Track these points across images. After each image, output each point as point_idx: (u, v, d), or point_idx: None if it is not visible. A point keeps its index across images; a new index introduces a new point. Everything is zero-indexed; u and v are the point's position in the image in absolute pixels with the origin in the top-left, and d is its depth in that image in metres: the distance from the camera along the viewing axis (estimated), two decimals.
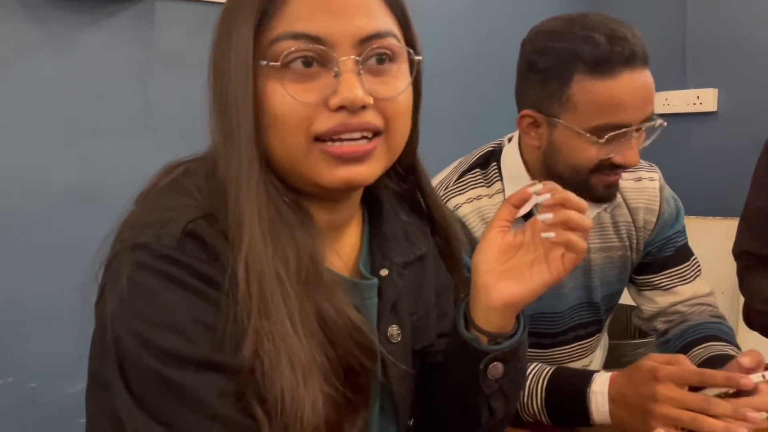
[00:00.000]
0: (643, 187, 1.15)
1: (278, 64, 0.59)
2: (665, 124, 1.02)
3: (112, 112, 1.61)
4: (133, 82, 1.64)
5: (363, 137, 0.61)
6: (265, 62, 0.60)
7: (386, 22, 0.63)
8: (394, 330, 0.70)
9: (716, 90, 2.26)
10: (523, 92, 1.05)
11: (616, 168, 0.99)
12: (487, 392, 0.69)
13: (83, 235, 1.58)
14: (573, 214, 0.65)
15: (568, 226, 0.65)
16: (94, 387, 0.66)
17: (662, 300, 1.18)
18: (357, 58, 0.60)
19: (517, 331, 0.69)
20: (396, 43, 0.63)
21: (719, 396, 0.84)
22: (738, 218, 1.35)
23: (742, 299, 1.37)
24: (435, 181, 1.11)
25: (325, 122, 0.60)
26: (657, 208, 1.15)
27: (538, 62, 1.01)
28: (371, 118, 0.61)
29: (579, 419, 0.93)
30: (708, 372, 0.88)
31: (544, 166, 1.05)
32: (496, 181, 1.09)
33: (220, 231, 0.60)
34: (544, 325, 1.14)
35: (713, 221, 2.20)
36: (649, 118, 0.98)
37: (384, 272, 0.71)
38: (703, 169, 2.30)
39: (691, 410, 0.83)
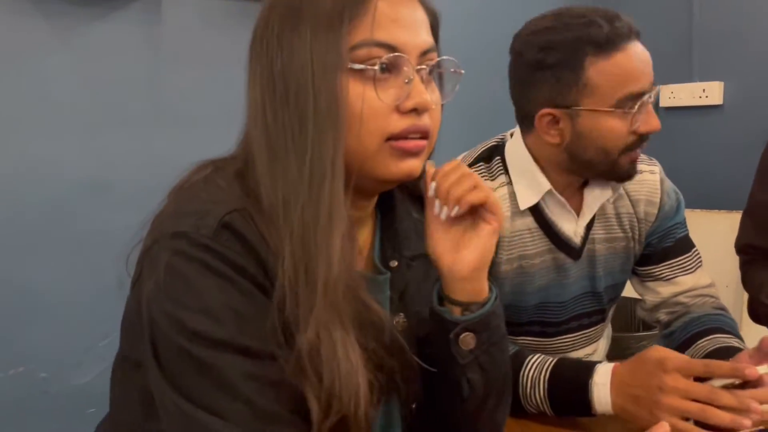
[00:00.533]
0: (644, 179, 1.17)
1: (365, 66, 0.65)
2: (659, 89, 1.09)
3: (120, 104, 1.62)
4: (141, 75, 1.65)
5: (421, 137, 0.68)
6: (352, 65, 0.64)
7: (431, 38, 0.70)
8: (400, 318, 0.75)
9: (722, 83, 2.26)
10: (533, 93, 1.05)
11: (642, 140, 1.03)
12: (462, 363, 0.72)
13: (94, 226, 1.61)
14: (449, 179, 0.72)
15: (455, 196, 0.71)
16: (124, 366, 0.71)
17: (664, 290, 1.20)
18: (424, 67, 0.68)
19: (488, 302, 0.73)
20: (436, 56, 0.71)
21: (725, 387, 0.85)
22: (742, 212, 1.36)
23: (746, 293, 1.37)
24: None
25: (398, 123, 0.66)
26: (658, 200, 1.18)
27: (546, 58, 1.02)
28: (427, 121, 0.68)
29: (581, 410, 0.95)
30: (714, 363, 0.89)
31: (567, 160, 1.06)
32: (500, 174, 1.12)
33: (256, 226, 0.63)
34: (549, 314, 1.16)
35: (718, 214, 2.20)
36: (654, 84, 1.03)
37: (393, 263, 0.77)
38: (708, 162, 2.30)
39: (697, 401, 0.83)
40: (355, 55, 0.65)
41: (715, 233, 2.39)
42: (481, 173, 1.11)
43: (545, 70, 1.03)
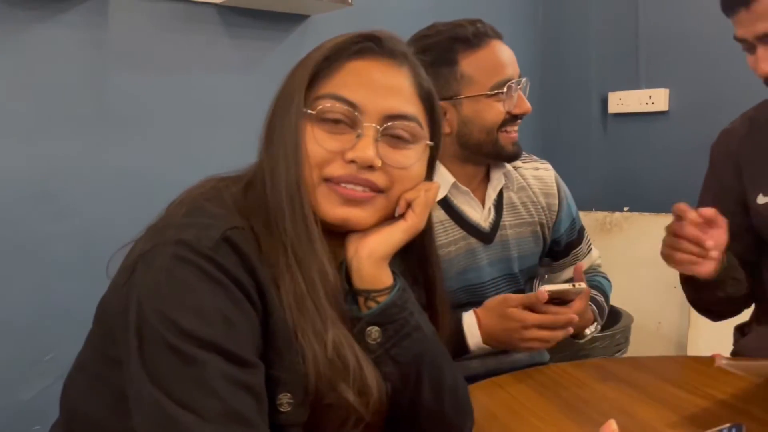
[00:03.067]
0: (540, 175, 1.37)
1: (314, 112, 0.73)
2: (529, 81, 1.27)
3: (64, 109, 1.58)
4: (86, 79, 1.61)
5: (364, 190, 0.74)
6: (306, 110, 0.73)
7: (414, 108, 0.77)
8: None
9: (667, 90, 2.33)
10: None
11: (516, 119, 1.23)
12: (373, 357, 0.74)
13: (37, 233, 1.55)
14: None
15: None
16: (99, 365, 0.73)
17: (568, 273, 1.43)
18: (379, 127, 0.74)
19: (390, 293, 0.76)
20: (418, 128, 0.77)
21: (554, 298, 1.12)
22: None
23: None
24: None
25: (337, 169, 0.73)
26: (556, 192, 1.37)
27: (425, 59, 1.12)
28: (376, 178, 0.74)
29: (461, 351, 1.15)
30: (531, 295, 1.15)
31: (459, 149, 1.23)
32: None
33: (256, 244, 0.69)
34: (475, 295, 1.26)
35: (665, 218, 2.26)
36: (520, 75, 1.24)
37: None
38: (654, 166, 2.36)
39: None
40: (319, 102, 0.73)
41: (660, 235, 2.45)
42: None
43: (426, 69, 1.11)
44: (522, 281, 1.34)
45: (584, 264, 1.40)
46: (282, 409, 0.68)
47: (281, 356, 0.68)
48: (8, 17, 1.50)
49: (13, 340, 1.51)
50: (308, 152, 0.72)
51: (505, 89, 1.20)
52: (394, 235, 0.77)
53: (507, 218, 1.30)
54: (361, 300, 0.76)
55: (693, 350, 2.03)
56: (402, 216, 0.78)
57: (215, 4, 1.77)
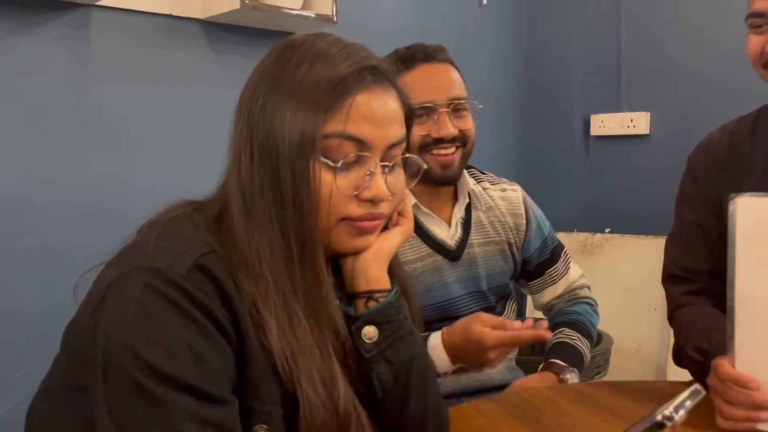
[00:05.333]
0: (508, 196, 1.39)
1: (336, 165, 0.71)
2: (480, 106, 1.28)
3: (43, 122, 1.56)
4: (66, 93, 1.59)
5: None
6: (323, 159, 0.71)
7: (402, 128, 0.78)
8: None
9: (648, 114, 2.36)
10: None
11: (437, 142, 1.22)
12: (368, 356, 0.74)
13: (9, 250, 1.52)
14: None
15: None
16: (67, 392, 0.70)
17: (544, 297, 1.44)
18: (386, 164, 0.75)
19: (388, 294, 0.77)
20: (404, 147, 0.78)
21: None
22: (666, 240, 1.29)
23: None
24: None
25: (355, 209, 0.73)
26: (523, 212, 1.38)
27: None
28: (385, 208, 0.76)
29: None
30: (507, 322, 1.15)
31: None
32: None
33: (231, 271, 0.67)
34: (440, 313, 1.27)
35: (645, 239, 2.28)
36: (461, 98, 1.24)
37: None
38: (635, 188, 2.39)
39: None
40: (327, 142, 0.71)
41: (641, 257, 2.47)
42: None
43: None
44: (492, 299, 1.34)
45: (560, 286, 1.42)
46: None
47: (256, 387, 0.67)
48: None
49: None
50: (327, 198, 0.71)
51: (425, 115, 1.21)
52: (395, 238, 0.80)
53: (474, 237, 1.32)
54: (361, 301, 0.76)
55: (672, 374, 2.03)
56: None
57: (199, 20, 1.76)
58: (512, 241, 1.36)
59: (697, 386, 0.63)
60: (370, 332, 0.74)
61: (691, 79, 2.24)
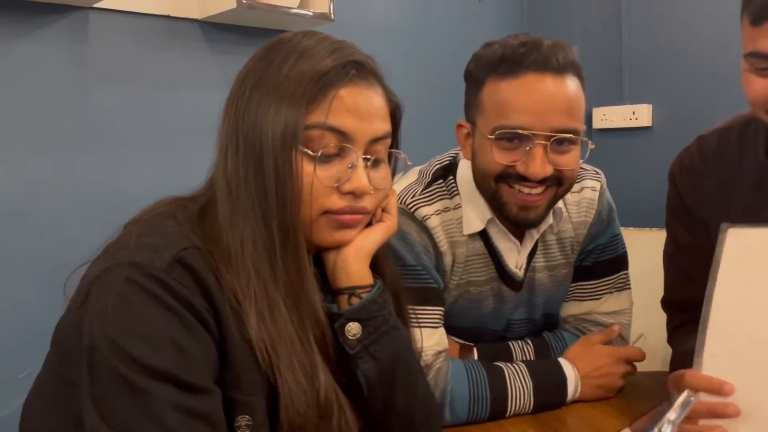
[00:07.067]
0: (583, 197, 1.14)
1: (312, 152, 0.71)
2: (592, 146, 1.00)
3: (43, 126, 1.56)
4: (65, 95, 1.59)
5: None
6: (303, 149, 0.71)
7: (387, 124, 0.78)
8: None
9: (650, 106, 2.35)
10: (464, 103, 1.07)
11: (520, 179, 0.96)
12: (352, 353, 0.75)
13: (11, 249, 1.52)
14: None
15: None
16: (57, 387, 0.72)
17: (569, 308, 1.20)
18: (368, 156, 0.75)
19: (371, 290, 0.78)
20: (389, 142, 0.79)
21: None
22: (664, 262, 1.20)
23: None
24: (396, 188, 1.05)
25: (337, 202, 0.73)
26: (591, 219, 1.15)
27: (467, 70, 1.04)
28: (368, 203, 0.76)
29: (557, 403, 1.05)
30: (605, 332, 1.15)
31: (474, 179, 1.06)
32: (455, 194, 1.09)
33: (212, 265, 0.68)
34: (484, 337, 1.17)
35: (649, 232, 2.26)
36: (566, 131, 0.94)
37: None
38: (638, 181, 2.37)
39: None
40: (309, 134, 0.71)
41: (645, 249, 2.45)
42: (441, 192, 1.09)
43: (467, 81, 1.05)
44: (541, 327, 1.20)
45: (583, 307, 1.18)
46: None
47: (238, 378, 0.67)
48: None
49: None
50: (309, 189, 0.72)
51: (508, 139, 0.95)
52: (376, 234, 0.80)
53: (538, 259, 1.12)
54: (344, 298, 0.77)
55: None
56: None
57: (197, 20, 1.76)
58: (573, 258, 1.16)
59: (687, 393, 0.64)
60: (353, 329, 0.75)
61: (693, 71, 2.23)
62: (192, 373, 0.63)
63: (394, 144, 0.82)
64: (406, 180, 1.12)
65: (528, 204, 0.98)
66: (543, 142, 0.93)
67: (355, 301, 0.76)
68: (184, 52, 1.75)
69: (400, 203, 1.05)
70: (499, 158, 0.96)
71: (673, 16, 2.28)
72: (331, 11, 1.81)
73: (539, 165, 0.93)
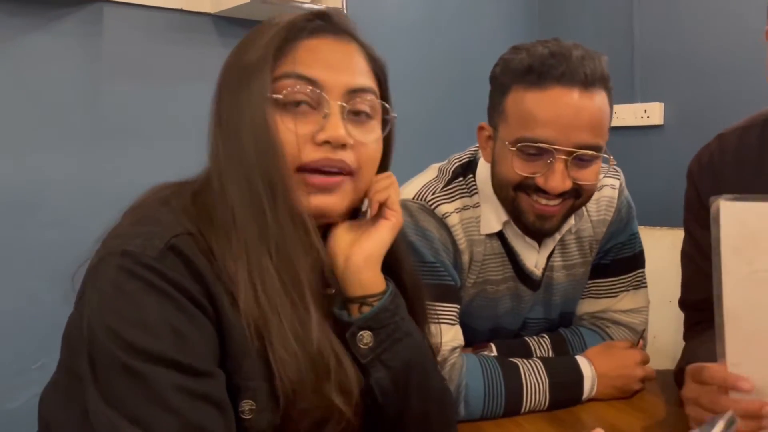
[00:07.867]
0: (602, 195, 1.14)
1: (281, 97, 0.70)
2: (613, 162, 1.02)
3: (57, 119, 1.57)
4: (79, 89, 1.60)
5: (338, 172, 0.72)
6: (273, 95, 0.70)
7: (369, 80, 0.76)
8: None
9: (662, 104, 2.33)
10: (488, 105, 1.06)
11: (538, 191, 0.96)
12: (364, 362, 0.73)
13: (24, 242, 1.54)
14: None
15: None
16: (67, 384, 0.72)
17: (585, 305, 1.21)
18: (344, 104, 0.72)
19: (383, 297, 0.75)
20: (376, 100, 0.76)
21: None
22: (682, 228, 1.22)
23: None
24: (416, 184, 1.09)
25: (311, 153, 0.70)
26: (609, 218, 1.15)
27: (493, 73, 1.03)
28: (347, 157, 0.72)
29: (573, 401, 1.04)
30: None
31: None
32: (475, 193, 1.09)
33: (205, 250, 0.67)
34: (500, 335, 1.17)
35: (660, 231, 2.26)
36: (588, 147, 0.93)
37: None
38: (650, 179, 2.36)
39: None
40: (280, 84, 0.70)
41: (656, 248, 2.45)
42: (461, 190, 1.09)
43: (492, 84, 1.04)
44: (556, 326, 1.20)
45: (599, 305, 1.18)
46: (245, 416, 0.66)
47: (239, 363, 0.67)
48: (1, 26, 1.49)
49: (0, 348, 1.49)
50: (281, 140, 0.69)
51: (529, 151, 0.94)
52: (384, 235, 0.77)
53: (556, 258, 1.13)
54: (355, 307, 0.75)
55: None
56: (377, 217, 0.78)
57: (210, 14, 1.77)
58: (591, 257, 1.16)
59: (731, 413, 0.62)
60: (365, 338, 0.73)
61: (705, 68, 2.21)
62: (192, 357, 0.63)
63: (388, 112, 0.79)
64: (425, 177, 1.12)
65: (545, 214, 0.98)
66: (564, 157, 0.93)
67: (366, 309, 0.74)
68: (197, 46, 1.76)
69: (420, 199, 1.05)
70: (519, 169, 0.96)
71: (684, 13, 2.27)
72: (344, 5, 1.81)
73: (559, 179, 0.93)
